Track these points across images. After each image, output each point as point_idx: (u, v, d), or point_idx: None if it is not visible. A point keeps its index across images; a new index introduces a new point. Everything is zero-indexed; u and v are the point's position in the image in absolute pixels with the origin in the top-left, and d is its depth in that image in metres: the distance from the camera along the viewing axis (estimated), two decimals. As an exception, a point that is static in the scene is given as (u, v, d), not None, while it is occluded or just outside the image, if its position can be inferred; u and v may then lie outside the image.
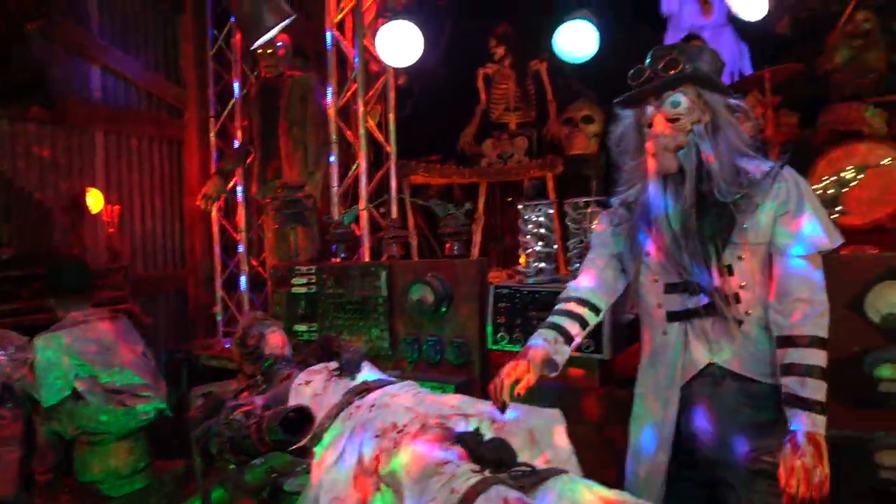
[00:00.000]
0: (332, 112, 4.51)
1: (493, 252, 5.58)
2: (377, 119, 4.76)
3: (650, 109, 1.70)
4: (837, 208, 2.38)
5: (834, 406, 1.64)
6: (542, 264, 3.05)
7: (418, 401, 1.81)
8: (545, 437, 1.66)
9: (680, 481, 1.77)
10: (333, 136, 4.48)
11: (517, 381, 1.65)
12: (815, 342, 1.59)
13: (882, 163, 2.53)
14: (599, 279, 1.87)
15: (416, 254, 5.05)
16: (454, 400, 1.82)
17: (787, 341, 1.61)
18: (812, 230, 1.63)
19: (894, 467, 2.09)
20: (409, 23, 3.45)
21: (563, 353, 1.77)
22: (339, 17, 4.49)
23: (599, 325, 2.27)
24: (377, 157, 4.88)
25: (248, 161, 5.03)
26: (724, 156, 1.65)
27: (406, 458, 1.51)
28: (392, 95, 4.64)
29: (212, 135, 5.72)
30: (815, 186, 2.39)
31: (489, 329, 3.02)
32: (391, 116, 4.63)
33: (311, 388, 2.01)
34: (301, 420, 1.82)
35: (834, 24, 4.57)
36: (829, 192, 2.37)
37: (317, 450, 1.82)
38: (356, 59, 4.33)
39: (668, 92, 1.66)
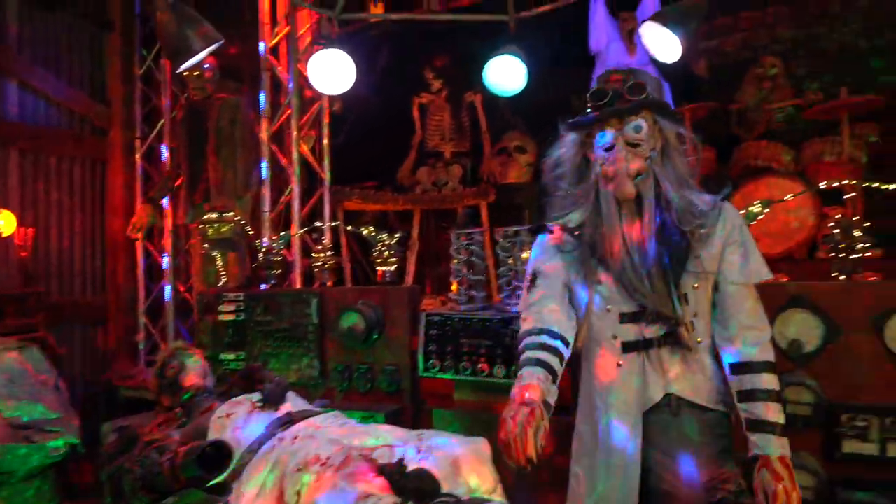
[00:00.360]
0: (265, 136, 4.46)
1: (428, 279, 5.59)
2: (311, 144, 4.73)
3: (611, 133, 1.64)
4: (748, 240, 2.52)
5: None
6: (474, 292, 3.09)
7: (344, 432, 1.78)
8: (470, 466, 1.66)
9: None
10: (266, 161, 4.42)
11: (538, 431, 1.44)
12: (768, 367, 1.61)
13: (785, 198, 2.70)
14: (563, 309, 1.74)
15: (350, 280, 5.01)
16: (380, 431, 1.80)
17: (743, 367, 1.62)
18: (754, 261, 1.68)
19: (804, 487, 2.19)
20: (341, 52, 3.46)
21: (554, 393, 1.60)
22: (274, 41, 4.48)
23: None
24: (311, 183, 4.84)
25: (177, 184, 4.89)
26: (675, 185, 1.65)
27: (327, 491, 1.48)
28: (326, 121, 4.64)
29: (137, 156, 5.53)
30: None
31: (420, 356, 3.02)
32: (325, 142, 4.62)
33: (232, 420, 1.94)
34: (219, 455, 1.75)
35: (746, 68, 4.90)
36: (740, 224, 2.51)
37: (236, 486, 1.76)
38: (290, 85, 4.31)
39: (632, 116, 1.63)
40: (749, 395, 1.60)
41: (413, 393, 3.10)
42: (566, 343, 1.69)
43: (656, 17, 3.04)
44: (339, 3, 3.32)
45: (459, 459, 1.64)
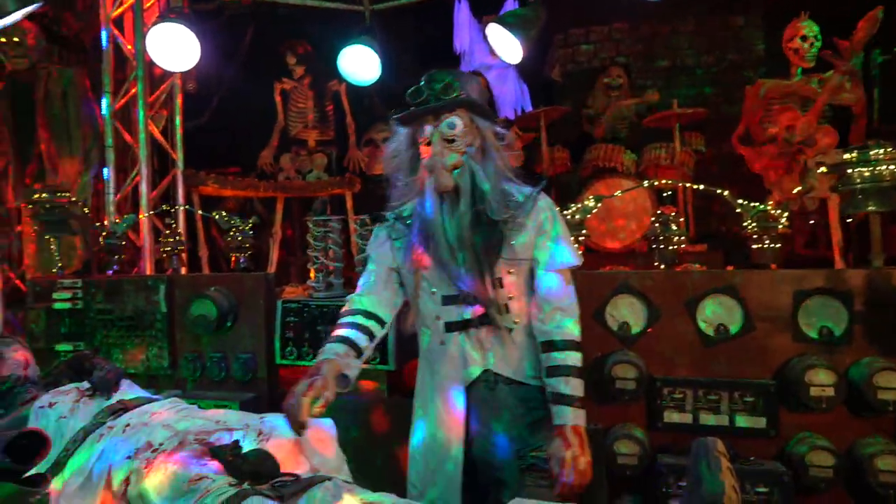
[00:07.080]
0: (106, 112, 4.10)
1: (293, 268, 5.48)
2: (162, 125, 4.43)
3: (428, 129, 1.76)
4: (583, 231, 2.74)
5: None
6: (332, 279, 3.08)
7: (180, 417, 1.71)
8: (313, 446, 1.66)
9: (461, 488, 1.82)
10: (110, 140, 4.08)
11: (316, 400, 1.58)
12: (572, 345, 1.77)
13: (615, 194, 2.96)
14: (381, 292, 1.88)
15: (208, 267, 4.79)
16: (220, 414, 1.75)
17: (550, 346, 1.77)
18: (565, 249, 1.84)
19: (628, 454, 2.42)
20: (183, 27, 3.24)
21: (354, 367, 1.74)
22: (118, 12, 4.12)
23: (385, 338, 2.26)
24: (163, 166, 4.55)
25: (1, 165, 4.39)
26: (492, 178, 1.78)
27: (158, 477, 1.42)
28: (179, 101, 4.37)
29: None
30: (566, 212, 2.73)
31: (277, 344, 2.96)
32: (179, 122, 4.35)
33: (56, 409, 1.80)
34: (33, 445, 1.62)
35: (596, 76, 5.30)
36: (577, 217, 2.73)
37: (57, 478, 1.63)
38: (137, 60, 4.00)
39: (446, 114, 1.74)
40: (553, 371, 1.76)
41: (270, 381, 3.05)
42: (382, 323, 1.85)
43: (499, 20, 3.20)
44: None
45: (301, 440, 1.64)
